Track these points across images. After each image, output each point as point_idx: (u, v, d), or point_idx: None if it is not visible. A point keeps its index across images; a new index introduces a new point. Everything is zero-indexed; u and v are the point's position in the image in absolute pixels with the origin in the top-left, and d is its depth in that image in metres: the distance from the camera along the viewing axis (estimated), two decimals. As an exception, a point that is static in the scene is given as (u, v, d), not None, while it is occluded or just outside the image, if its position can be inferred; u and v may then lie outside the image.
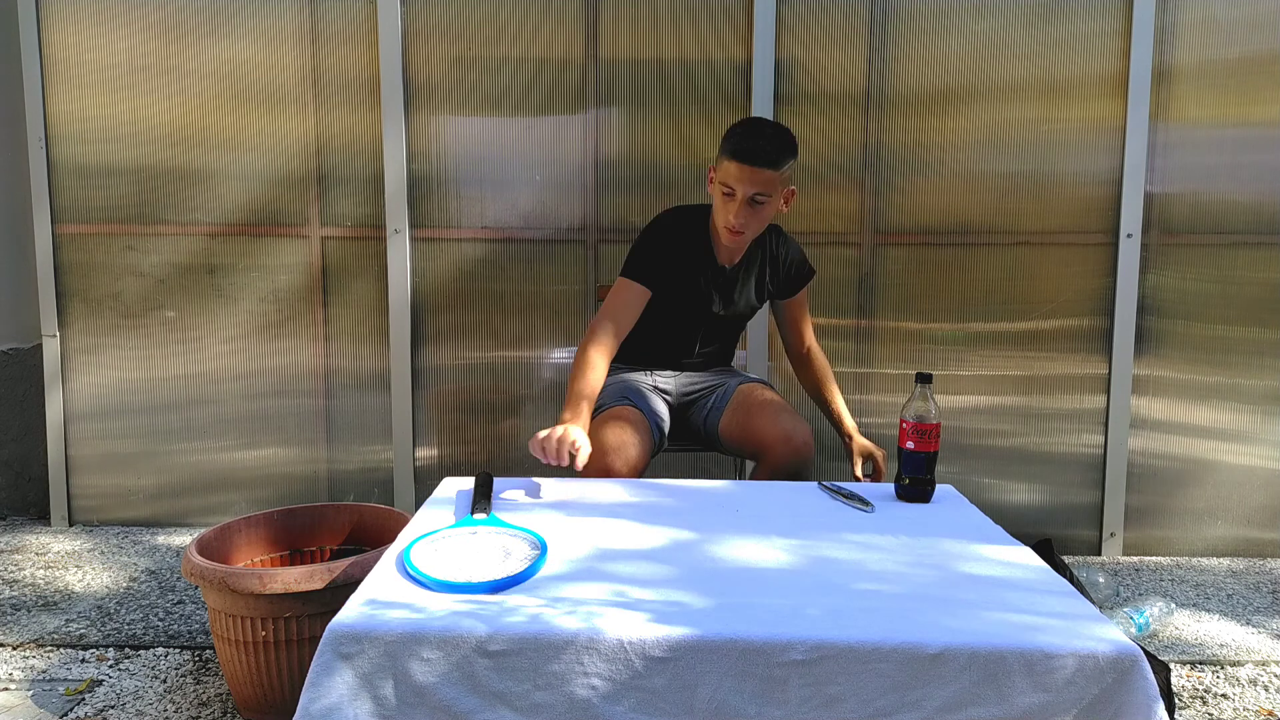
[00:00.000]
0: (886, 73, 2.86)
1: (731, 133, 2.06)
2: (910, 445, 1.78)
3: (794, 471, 2.07)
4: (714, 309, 2.28)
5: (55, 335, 3.02)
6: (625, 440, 2.06)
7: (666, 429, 2.28)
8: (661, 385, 2.35)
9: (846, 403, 2.36)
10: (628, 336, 2.19)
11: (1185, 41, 2.81)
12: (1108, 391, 2.92)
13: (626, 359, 2.40)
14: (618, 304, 2.14)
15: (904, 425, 1.78)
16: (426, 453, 3.05)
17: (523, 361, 3.01)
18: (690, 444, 2.38)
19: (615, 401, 2.22)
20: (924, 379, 1.78)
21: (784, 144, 2.06)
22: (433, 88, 2.92)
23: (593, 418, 2.16)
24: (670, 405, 2.34)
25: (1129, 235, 2.85)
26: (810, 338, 2.41)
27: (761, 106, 2.85)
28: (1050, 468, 2.97)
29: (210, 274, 3.00)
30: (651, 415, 2.22)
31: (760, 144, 2.01)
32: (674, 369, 2.38)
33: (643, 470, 2.10)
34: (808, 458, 2.08)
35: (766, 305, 2.42)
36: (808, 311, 2.40)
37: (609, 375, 2.29)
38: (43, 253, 2.99)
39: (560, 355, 2.99)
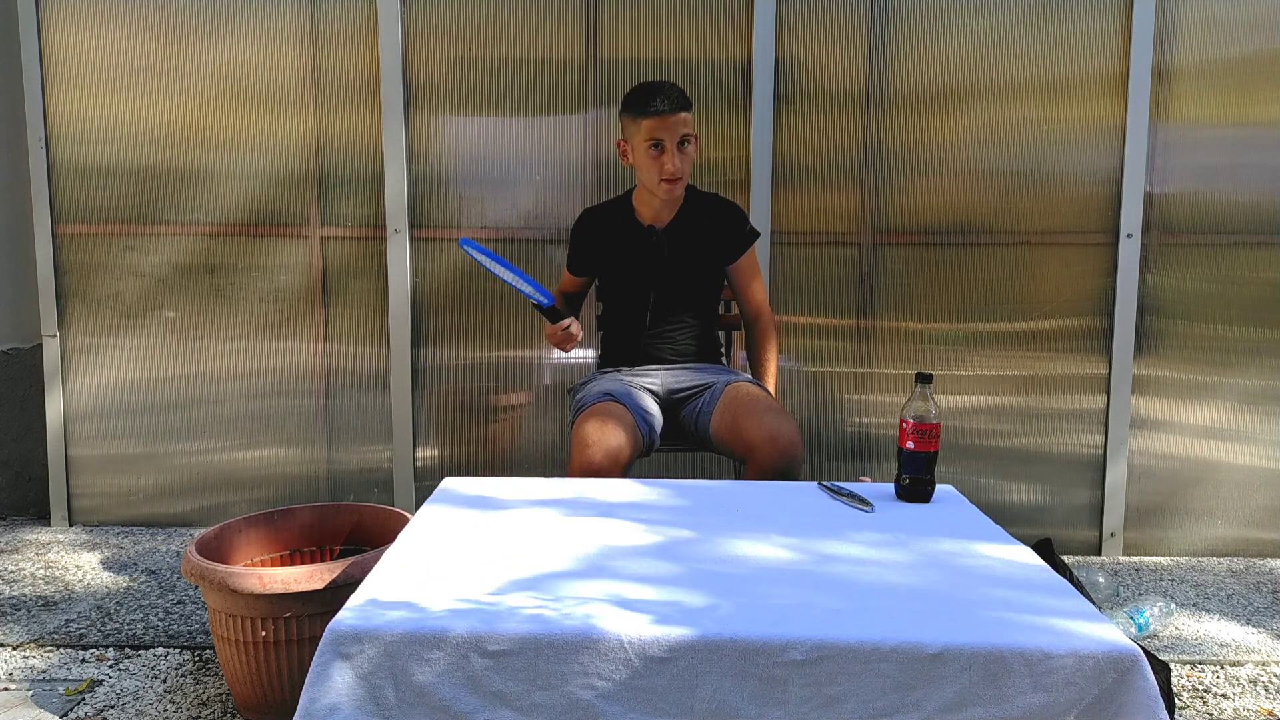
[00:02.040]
0: (886, 72, 2.86)
1: (635, 100, 2.25)
2: (910, 445, 1.78)
3: (782, 471, 2.06)
4: (657, 269, 2.34)
5: (55, 335, 3.02)
6: (605, 433, 2.07)
7: (658, 425, 2.27)
8: (647, 384, 2.35)
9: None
10: (603, 337, 2.49)
11: (1185, 41, 2.81)
12: (1108, 391, 2.92)
13: (607, 360, 2.47)
14: (561, 286, 2.54)
15: (904, 425, 1.78)
16: (426, 453, 3.05)
17: (523, 361, 3.01)
18: (684, 444, 2.37)
19: (596, 399, 2.23)
20: (924, 379, 1.78)
21: (682, 92, 2.26)
22: (433, 88, 2.92)
23: (575, 417, 2.23)
24: (660, 403, 2.34)
25: (1129, 235, 2.85)
26: (760, 305, 2.47)
27: (762, 105, 2.85)
28: (1050, 468, 2.97)
29: (210, 274, 3.00)
30: (638, 411, 2.21)
31: (667, 92, 2.22)
32: (651, 360, 2.39)
33: (627, 464, 2.10)
34: (795, 457, 2.07)
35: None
36: (758, 276, 2.46)
37: (591, 378, 2.40)
38: (43, 253, 2.99)
39: (559, 355, 2.99)
